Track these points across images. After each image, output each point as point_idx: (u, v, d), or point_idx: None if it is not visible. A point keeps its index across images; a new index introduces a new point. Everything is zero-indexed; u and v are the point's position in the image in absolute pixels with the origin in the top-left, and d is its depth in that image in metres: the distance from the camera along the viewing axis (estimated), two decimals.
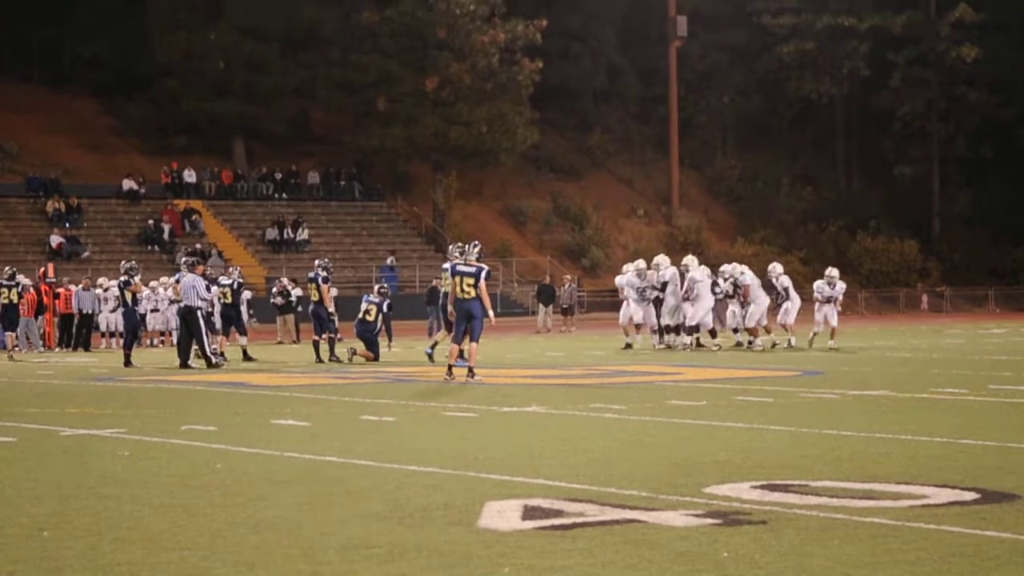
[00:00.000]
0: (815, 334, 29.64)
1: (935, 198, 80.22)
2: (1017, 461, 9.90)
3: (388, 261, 59.41)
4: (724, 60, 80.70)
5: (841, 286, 30.11)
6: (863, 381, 18.58)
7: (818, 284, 30.12)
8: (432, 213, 67.30)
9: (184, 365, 24.64)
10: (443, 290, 25.77)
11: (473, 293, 19.69)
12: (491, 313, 20.59)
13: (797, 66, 78.65)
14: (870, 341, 33.88)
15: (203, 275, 25.82)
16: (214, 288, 31.70)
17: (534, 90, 66.74)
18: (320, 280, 26.92)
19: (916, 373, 20.53)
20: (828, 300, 29.63)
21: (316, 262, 28.27)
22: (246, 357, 27.71)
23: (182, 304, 25.35)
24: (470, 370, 19.53)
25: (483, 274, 19.85)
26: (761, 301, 29.04)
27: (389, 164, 67.59)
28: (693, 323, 28.47)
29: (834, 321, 29.47)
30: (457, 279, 19.90)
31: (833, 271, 30.55)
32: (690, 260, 29.14)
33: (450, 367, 19.71)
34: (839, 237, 76.59)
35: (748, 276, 29.39)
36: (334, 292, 28.90)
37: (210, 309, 26.44)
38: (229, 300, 29.04)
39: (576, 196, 74.08)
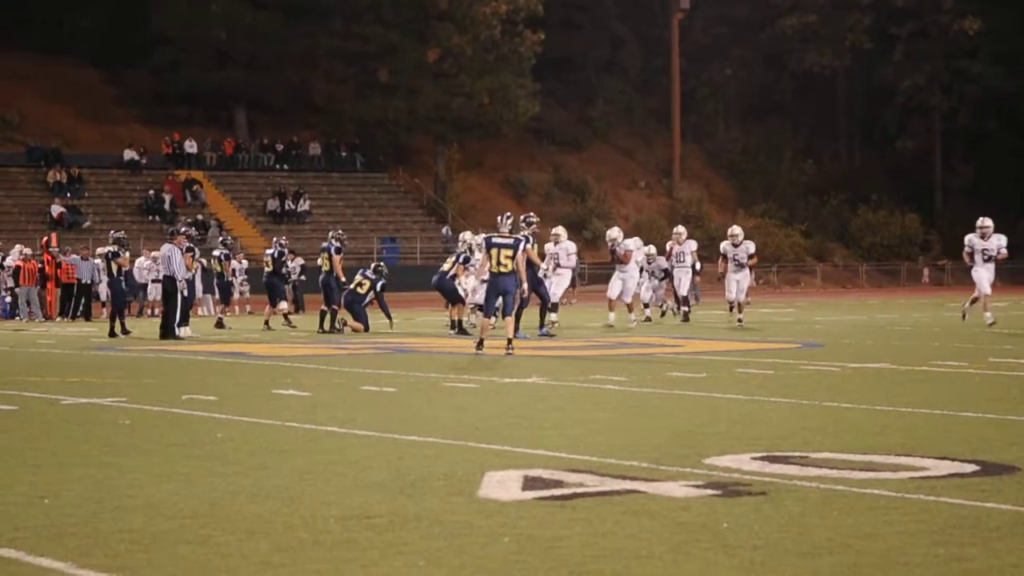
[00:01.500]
0: (973, 300, 25.19)
1: (937, 171, 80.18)
2: (1017, 433, 9.91)
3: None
4: (726, 32, 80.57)
5: (998, 240, 24.41)
6: (863, 353, 18.59)
7: (969, 238, 24.75)
8: (433, 185, 67.28)
9: (173, 335, 24.63)
10: (443, 268, 25.63)
11: (510, 266, 19.04)
12: (524, 286, 19.93)
13: (799, 39, 78.53)
14: (871, 314, 33.88)
15: (184, 245, 25.83)
16: (244, 261, 31.99)
17: (536, 61, 66.64)
18: (333, 251, 26.99)
19: (917, 346, 20.53)
20: (987, 258, 24.43)
21: (330, 233, 28.26)
22: (267, 326, 28.20)
23: (161, 273, 25.86)
24: (509, 343, 18.88)
25: (521, 245, 19.27)
26: (632, 274, 27.49)
27: (391, 135, 67.52)
28: (555, 300, 26.13)
29: (986, 287, 24.43)
30: (494, 252, 19.16)
31: (986, 220, 24.83)
32: (560, 231, 26.88)
33: (480, 341, 19.14)
34: (841, 210, 76.62)
35: (631, 242, 28.10)
36: None
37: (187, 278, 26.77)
38: (271, 268, 29.28)
39: (578, 168, 74.03)
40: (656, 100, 79.57)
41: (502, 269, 19.10)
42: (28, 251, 35.98)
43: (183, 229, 26.94)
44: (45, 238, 39.55)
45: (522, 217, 23.90)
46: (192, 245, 26.76)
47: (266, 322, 28.56)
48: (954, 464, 8.37)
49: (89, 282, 36.10)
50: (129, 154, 60.41)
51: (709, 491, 7.44)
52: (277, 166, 64.29)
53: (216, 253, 32.18)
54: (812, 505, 7.02)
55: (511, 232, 19.52)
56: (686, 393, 13.21)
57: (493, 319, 19.31)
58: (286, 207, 60.59)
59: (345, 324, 26.60)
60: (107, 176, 60.00)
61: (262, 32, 65.09)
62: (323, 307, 26.87)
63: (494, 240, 19.34)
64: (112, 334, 25.87)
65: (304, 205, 61.06)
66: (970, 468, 8.21)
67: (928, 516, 6.71)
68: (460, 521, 6.70)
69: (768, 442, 9.41)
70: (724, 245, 27.85)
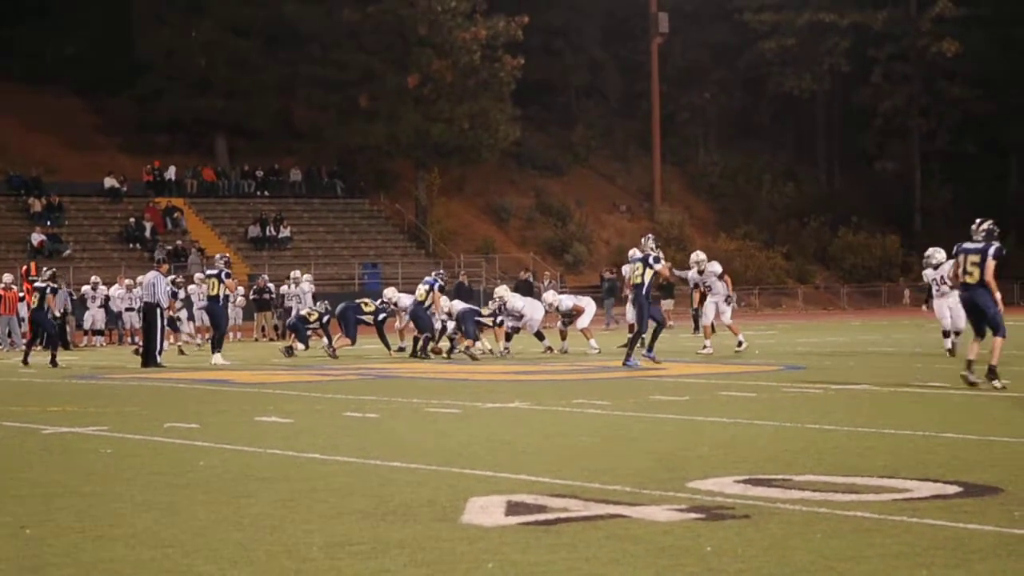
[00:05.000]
0: None
1: (916, 193, 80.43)
2: (999, 454, 9.93)
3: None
4: (706, 56, 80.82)
5: None
6: (845, 375, 18.62)
7: None
8: (414, 210, 67.27)
9: (154, 363, 24.59)
10: (634, 281, 22.83)
11: (976, 275, 16.44)
12: (998, 297, 16.85)
13: (778, 62, 78.80)
14: (852, 335, 33.95)
15: (167, 274, 26.03)
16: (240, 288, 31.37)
17: (516, 86, 66.73)
18: (436, 287, 27.00)
19: (898, 367, 20.57)
20: None
21: (434, 273, 28.30)
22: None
23: (143, 300, 25.95)
24: (991, 370, 15.96)
25: (991, 252, 16.51)
26: (535, 309, 27.17)
27: (371, 161, 67.55)
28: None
29: None
30: (961, 258, 16.79)
31: None
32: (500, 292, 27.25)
33: (969, 363, 16.14)
34: (821, 232, 76.78)
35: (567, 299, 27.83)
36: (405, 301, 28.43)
37: (173, 311, 26.89)
38: (314, 318, 28.97)
39: (558, 192, 74.12)
40: (636, 124, 79.70)
41: (968, 279, 16.62)
42: (9, 278, 35.88)
43: (162, 258, 27.20)
44: (25, 266, 39.50)
45: (644, 238, 23.20)
46: (230, 271, 26.77)
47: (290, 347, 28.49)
48: (937, 485, 8.38)
49: (62, 311, 36.07)
50: (110, 182, 60.29)
51: (692, 515, 7.44)
52: (258, 192, 64.23)
53: (212, 272, 32.11)
54: (795, 528, 7.02)
55: (984, 238, 16.71)
56: (668, 416, 13.21)
57: (977, 343, 16.57)
58: (267, 233, 60.54)
59: (331, 347, 26.99)
60: (87, 204, 59.87)
61: (243, 60, 65.11)
62: (415, 335, 26.88)
63: (963, 245, 16.89)
64: (25, 362, 26.27)
65: (285, 231, 61.01)
66: (953, 489, 8.23)
67: (911, 538, 6.72)
68: (444, 547, 6.69)
69: (751, 465, 9.42)
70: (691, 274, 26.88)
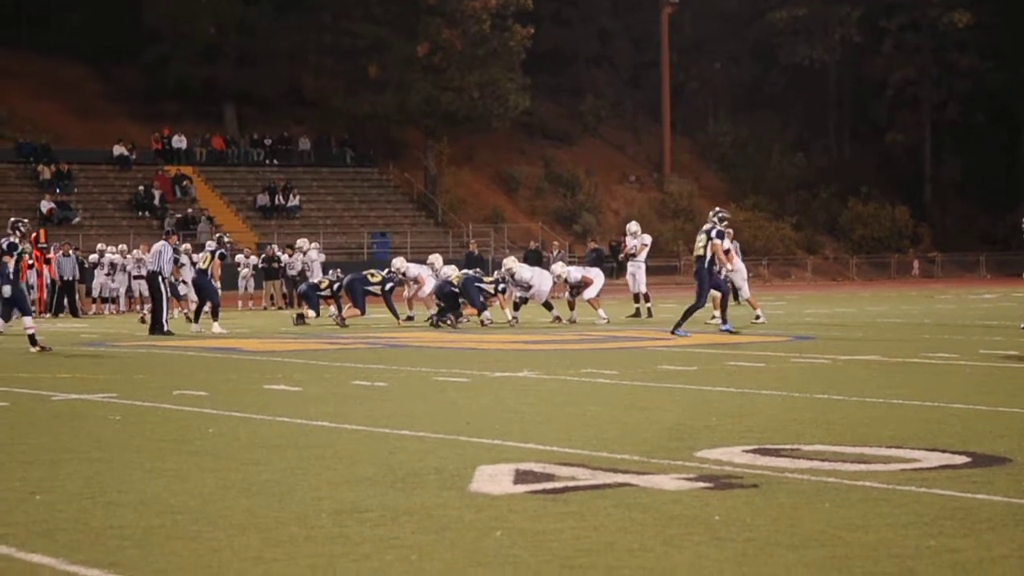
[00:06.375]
0: None
1: (926, 164, 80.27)
2: (1007, 425, 9.92)
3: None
4: (716, 26, 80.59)
5: None
6: (854, 346, 18.61)
7: None
8: (424, 179, 67.22)
9: (161, 331, 24.65)
10: (697, 254, 22.37)
11: None
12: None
13: (789, 32, 78.56)
14: (861, 306, 33.91)
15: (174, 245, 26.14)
16: (252, 257, 31.51)
17: (525, 56, 66.59)
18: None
19: (907, 338, 20.55)
20: None
21: (429, 255, 28.45)
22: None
23: (148, 269, 26.01)
24: None
25: None
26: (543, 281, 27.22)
27: (381, 130, 67.49)
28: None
29: None
30: None
31: None
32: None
33: None
34: (831, 203, 76.69)
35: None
36: (427, 280, 28.25)
37: (176, 279, 26.94)
38: (326, 287, 28.77)
39: (568, 162, 74.02)
40: (646, 94, 79.57)
41: None
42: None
43: (171, 229, 27.37)
44: (34, 234, 39.51)
45: (712, 211, 22.92)
46: (224, 252, 26.85)
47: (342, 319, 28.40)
48: (945, 456, 8.38)
49: (71, 279, 36.17)
50: (119, 150, 60.33)
51: (700, 484, 7.45)
52: (267, 161, 64.23)
53: (209, 248, 32.19)
54: (803, 497, 7.02)
55: None
56: (677, 386, 13.21)
57: None
58: (276, 202, 60.54)
59: (340, 317, 27.03)
60: (96, 172, 59.91)
61: (252, 27, 65.02)
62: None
63: None
64: None
65: (294, 200, 61.01)
66: (961, 460, 8.22)
67: (919, 508, 6.72)
68: (452, 515, 6.70)
69: (759, 435, 9.42)
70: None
